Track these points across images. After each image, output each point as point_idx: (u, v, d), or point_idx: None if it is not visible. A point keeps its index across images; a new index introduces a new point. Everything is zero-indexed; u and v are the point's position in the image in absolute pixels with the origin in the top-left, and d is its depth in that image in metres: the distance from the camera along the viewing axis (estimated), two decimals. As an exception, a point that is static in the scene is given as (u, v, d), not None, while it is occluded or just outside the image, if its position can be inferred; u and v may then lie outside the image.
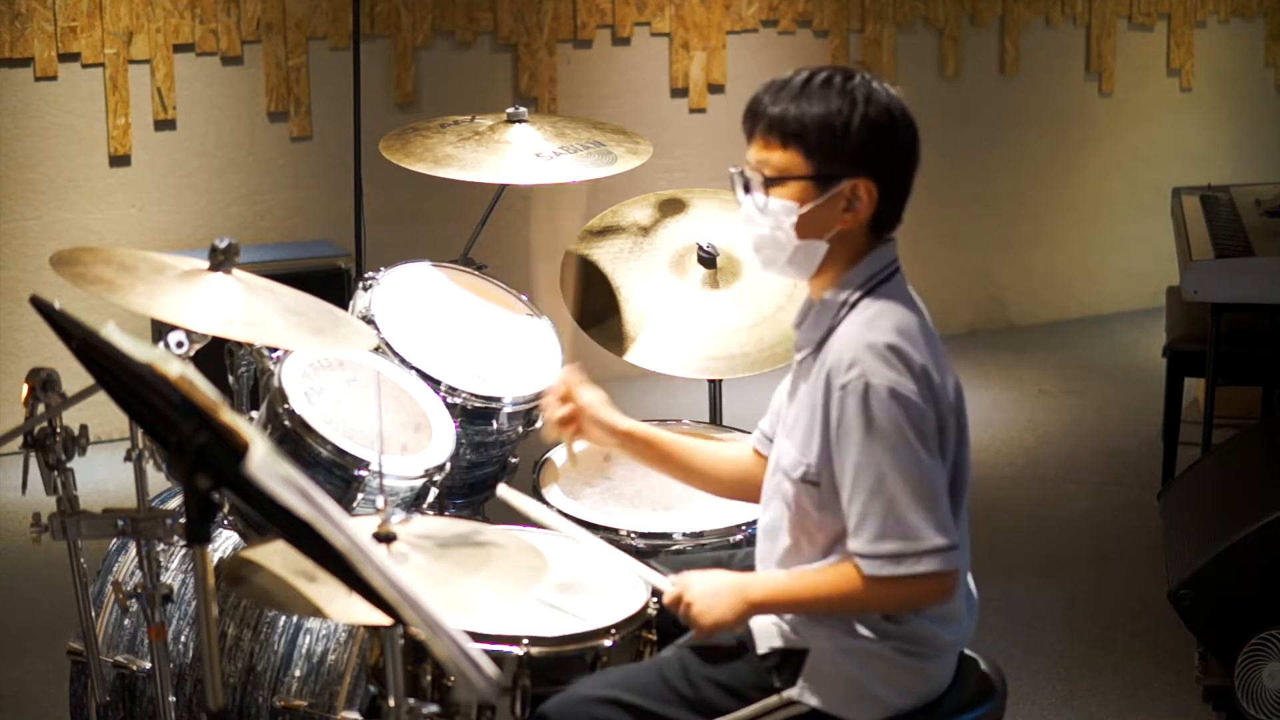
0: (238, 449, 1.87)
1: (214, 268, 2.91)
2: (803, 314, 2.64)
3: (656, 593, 2.71)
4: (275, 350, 3.11)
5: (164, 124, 5.90)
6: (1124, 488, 5.47)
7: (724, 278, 3.59)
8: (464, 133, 3.68)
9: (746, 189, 2.56)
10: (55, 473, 2.85)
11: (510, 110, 3.72)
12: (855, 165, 2.49)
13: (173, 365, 1.96)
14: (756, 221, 2.55)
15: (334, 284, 5.54)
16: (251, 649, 3.08)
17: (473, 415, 3.30)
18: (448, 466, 3.14)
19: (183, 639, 3.14)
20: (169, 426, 1.98)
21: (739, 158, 2.60)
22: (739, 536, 3.12)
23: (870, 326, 2.48)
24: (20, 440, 2.85)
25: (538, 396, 3.37)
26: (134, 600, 2.94)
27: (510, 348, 3.49)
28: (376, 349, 3.24)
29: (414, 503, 3.08)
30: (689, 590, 2.59)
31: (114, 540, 3.22)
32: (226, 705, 3.03)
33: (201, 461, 1.94)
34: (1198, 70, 7.71)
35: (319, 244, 6.05)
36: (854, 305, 2.51)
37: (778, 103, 2.51)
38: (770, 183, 2.52)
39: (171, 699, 2.92)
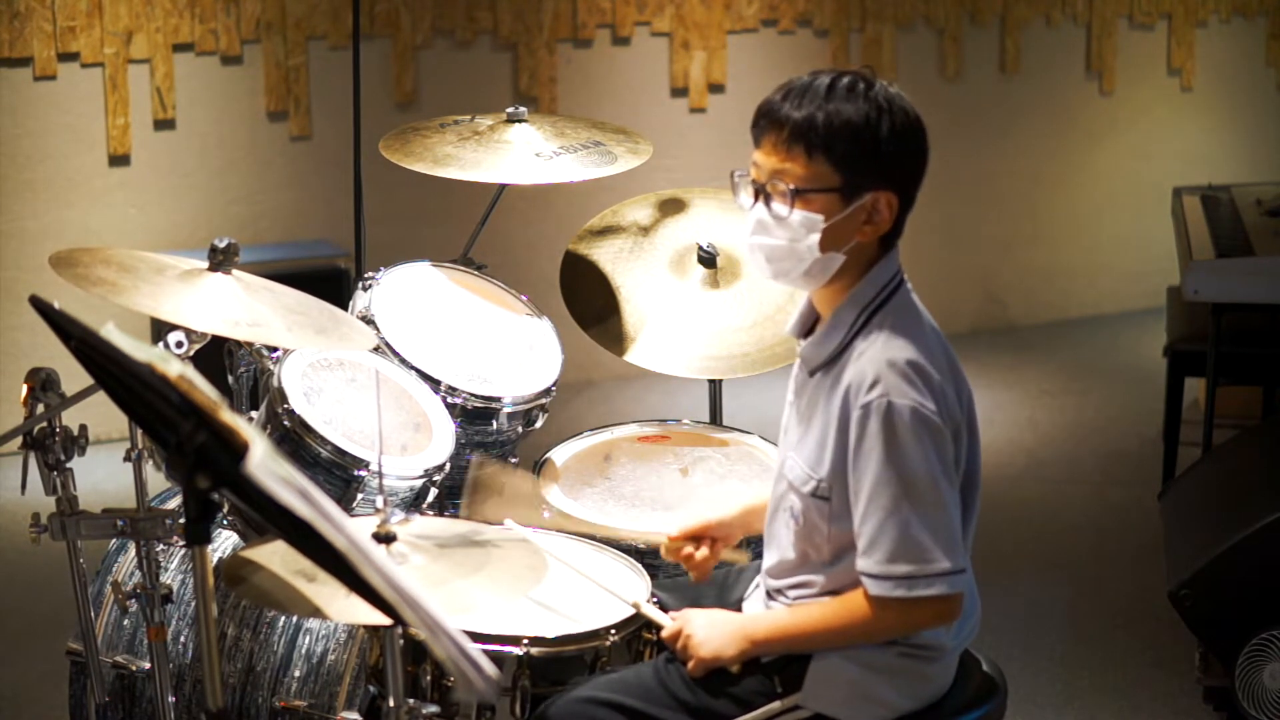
0: (237, 449, 1.87)
1: (214, 268, 2.92)
2: (803, 323, 2.61)
3: (656, 628, 2.70)
4: (275, 350, 3.11)
5: (163, 124, 5.90)
6: (1124, 488, 5.47)
7: (724, 278, 3.59)
8: (464, 132, 3.67)
9: (759, 197, 2.49)
10: (54, 473, 2.85)
11: (510, 110, 3.71)
12: (881, 178, 2.45)
13: (172, 365, 1.96)
14: (772, 233, 2.48)
15: (334, 284, 5.54)
16: (251, 649, 3.08)
17: (473, 415, 3.30)
18: (447, 466, 3.14)
19: (182, 639, 3.14)
20: (168, 426, 1.98)
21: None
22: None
23: (889, 343, 2.44)
24: (20, 440, 2.86)
25: (538, 396, 3.37)
26: (133, 600, 2.94)
27: (510, 348, 3.48)
28: (376, 349, 3.24)
29: (414, 503, 3.08)
30: (689, 624, 2.58)
31: (113, 540, 3.22)
32: (226, 706, 3.02)
33: (201, 461, 1.94)
34: (1199, 70, 7.71)
35: (319, 244, 6.05)
36: (868, 321, 2.48)
37: (801, 108, 2.43)
38: (796, 194, 2.45)
39: (171, 699, 2.92)
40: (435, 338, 3.40)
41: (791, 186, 2.45)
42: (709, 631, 2.56)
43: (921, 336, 2.47)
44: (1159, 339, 5.37)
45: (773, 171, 2.47)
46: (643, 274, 3.62)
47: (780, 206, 2.47)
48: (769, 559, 2.63)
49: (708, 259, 3.59)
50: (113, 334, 2.08)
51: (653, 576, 2.91)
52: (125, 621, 3.17)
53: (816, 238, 2.46)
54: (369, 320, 3.31)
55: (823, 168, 2.44)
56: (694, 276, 3.60)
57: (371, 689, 2.91)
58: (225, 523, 3.16)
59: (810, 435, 2.52)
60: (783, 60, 6.79)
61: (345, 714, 2.98)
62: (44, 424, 2.84)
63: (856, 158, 2.43)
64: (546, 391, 3.40)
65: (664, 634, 2.62)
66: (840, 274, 2.50)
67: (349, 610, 2.23)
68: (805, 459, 2.52)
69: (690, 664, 2.55)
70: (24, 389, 2.85)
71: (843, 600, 2.49)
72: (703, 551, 2.76)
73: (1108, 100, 7.56)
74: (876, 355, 2.43)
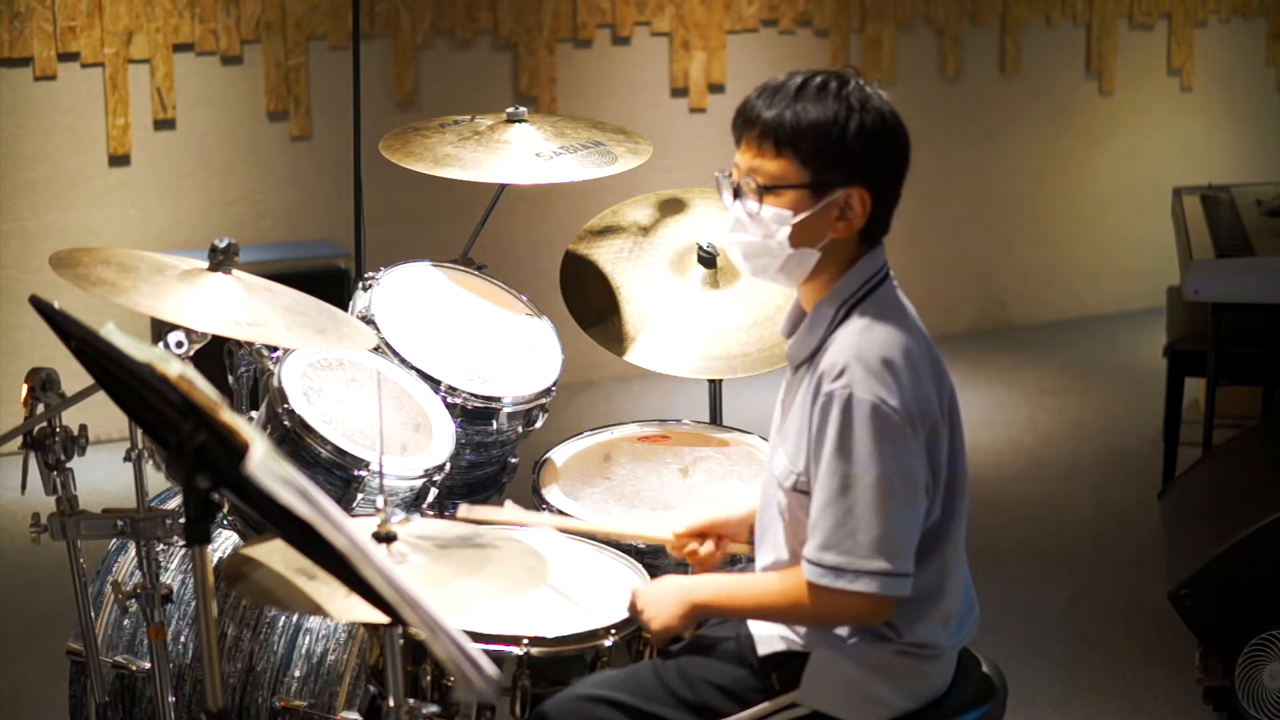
0: (237, 449, 1.87)
1: (214, 268, 2.92)
2: (791, 323, 2.62)
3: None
4: (275, 350, 3.11)
5: (163, 124, 5.90)
6: (1124, 488, 5.47)
7: (724, 278, 3.59)
8: (464, 132, 3.67)
9: (736, 195, 2.53)
10: (55, 473, 2.86)
11: (510, 110, 3.71)
12: (850, 174, 2.47)
13: (172, 365, 1.96)
14: (747, 229, 2.51)
15: (334, 284, 5.54)
16: (251, 649, 3.08)
17: (473, 415, 3.30)
18: (447, 466, 3.14)
19: (182, 639, 3.14)
20: (168, 426, 1.98)
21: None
22: (739, 536, 3.12)
23: (864, 337, 2.45)
24: (20, 440, 2.86)
25: (538, 396, 3.37)
26: (133, 600, 2.94)
27: (510, 348, 3.49)
28: (376, 349, 3.24)
29: (414, 503, 3.08)
30: (639, 598, 2.62)
31: (113, 540, 3.22)
32: (226, 705, 3.02)
33: (201, 461, 1.94)
34: (1198, 70, 7.71)
35: (319, 244, 6.05)
36: (847, 315, 2.49)
37: (771, 107, 2.47)
38: (764, 190, 2.48)
39: (171, 699, 2.93)
40: (435, 338, 3.40)
41: (760, 183, 2.48)
42: (657, 605, 2.59)
43: (899, 331, 2.48)
44: (1159, 339, 5.37)
45: (747, 169, 2.51)
46: (643, 274, 3.62)
47: (751, 203, 2.50)
48: (762, 558, 2.64)
49: (708, 259, 3.59)
50: (113, 334, 2.08)
51: (653, 576, 2.91)
52: (125, 621, 3.17)
53: (786, 232, 2.48)
54: (369, 320, 3.31)
55: (790, 164, 2.47)
56: (694, 276, 3.60)
57: (371, 689, 2.91)
58: (225, 523, 3.16)
59: (791, 431, 2.54)
60: (783, 60, 6.78)
61: (345, 714, 2.98)
62: (44, 424, 2.84)
63: (823, 155, 2.46)
64: (546, 391, 3.40)
65: (627, 609, 2.66)
66: (820, 270, 2.52)
67: (349, 609, 2.23)
68: (787, 454, 2.54)
69: (649, 639, 2.61)
70: (24, 389, 2.86)
71: (783, 576, 2.51)
72: (708, 547, 2.78)
73: (1108, 100, 7.56)
74: (849, 346, 2.45)
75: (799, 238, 2.49)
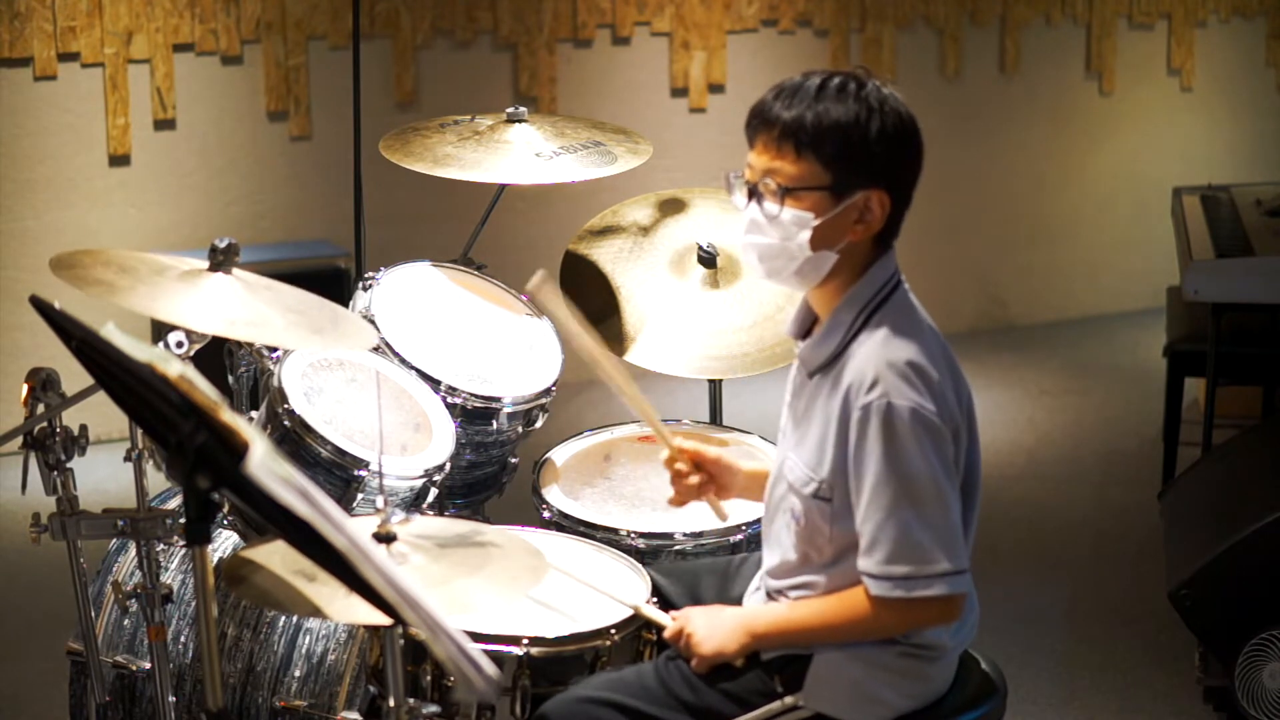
0: (237, 449, 1.87)
1: (214, 268, 2.91)
2: (800, 324, 2.61)
3: (657, 628, 2.70)
4: (275, 350, 3.11)
5: (163, 124, 5.90)
6: (1124, 488, 5.47)
7: (724, 278, 3.59)
8: (464, 132, 3.67)
9: (753, 197, 2.51)
10: (55, 473, 2.86)
11: (510, 110, 3.71)
12: (872, 177, 2.45)
13: (172, 365, 1.96)
14: (764, 231, 2.49)
15: (334, 284, 5.54)
16: (251, 649, 3.09)
17: (473, 415, 3.30)
18: (447, 466, 3.14)
19: (182, 639, 3.14)
20: (169, 426, 1.98)
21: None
22: (739, 537, 3.12)
23: (888, 343, 2.45)
24: (20, 440, 2.86)
25: (538, 396, 3.38)
26: (133, 600, 2.94)
27: (510, 348, 3.49)
28: (376, 349, 3.24)
29: (414, 503, 3.08)
30: (689, 622, 2.59)
31: (113, 540, 3.22)
32: (226, 705, 3.02)
33: (201, 461, 1.94)
34: (1198, 70, 7.71)
35: (319, 244, 6.05)
36: (866, 322, 2.49)
37: (791, 108, 2.44)
38: (785, 192, 2.46)
39: (171, 699, 2.93)
40: (435, 338, 3.40)
41: (781, 184, 2.46)
42: (710, 629, 2.56)
43: (920, 336, 2.47)
44: (1159, 339, 5.37)
45: (764, 171, 2.49)
46: (643, 274, 3.62)
47: (771, 205, 2.48)
48: (769, 560, 2.63)
49: (708, 259, 3.59)
50: (113, 334, 2.08)
51: (653, 558, 2.91)
52: (125, 621, 3.17)
53: (807, 235, 2.47)
54: (369, 320, 3.31)
55: (812, 166, 2.45)
56: (694, 276, 3.60)
57: (371, 689, 2.91)
58: (225, 523, 3.16)
59: (810, 436, 2.52)
60: (783, 60, 6.79)
61: (345, 714, 2.98)
62: (44, 424, 2.84)
63: (845, 157, 2.44)
64: (546, 391, 3.40)
65: (666, 634, 2.63)
66: (835, 274, 2.51)
67: (349, 610, 2.23)
68: (805, 460, 2.52)
69: (694, 662, 2.56)
70: (24, 389, 2.86)
71: (842, 597, 2.49)
72: (695, 479, 2.77)
73: (1108, 100, 7.56)
74: (876, 356, 2.44)
75: (819, 240, 2.47)
